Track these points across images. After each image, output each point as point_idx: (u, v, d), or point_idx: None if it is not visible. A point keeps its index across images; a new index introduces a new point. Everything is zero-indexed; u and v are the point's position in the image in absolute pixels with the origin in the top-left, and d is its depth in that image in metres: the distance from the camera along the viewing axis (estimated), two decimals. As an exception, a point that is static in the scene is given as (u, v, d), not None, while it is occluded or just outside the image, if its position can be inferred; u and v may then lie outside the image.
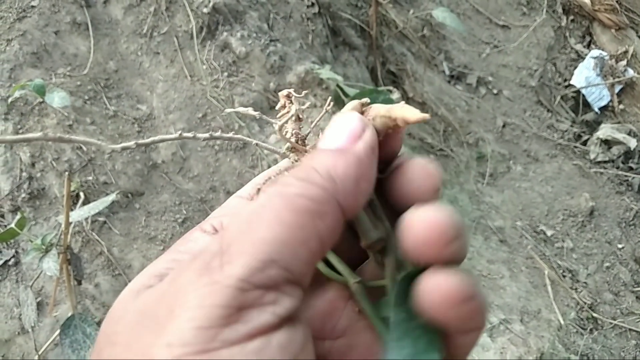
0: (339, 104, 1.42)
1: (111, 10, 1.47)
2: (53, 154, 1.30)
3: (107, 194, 1.26)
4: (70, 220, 0.99)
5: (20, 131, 1.30)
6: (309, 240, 0.22)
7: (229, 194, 1.39)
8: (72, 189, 1.26)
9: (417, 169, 0.25)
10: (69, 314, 0.98)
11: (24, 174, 1.28)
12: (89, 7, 1.46)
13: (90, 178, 1.30)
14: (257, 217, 0.22)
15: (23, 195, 1.27)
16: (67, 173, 0.85)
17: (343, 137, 0.25)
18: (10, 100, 1.10)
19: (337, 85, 1.42)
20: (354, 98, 1.40)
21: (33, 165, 1.29)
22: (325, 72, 1.41)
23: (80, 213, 1.02)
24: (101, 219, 1.30)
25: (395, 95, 1.51)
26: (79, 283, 1.08)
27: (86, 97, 1.37)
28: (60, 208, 1.28)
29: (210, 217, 0.29)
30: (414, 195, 0.25)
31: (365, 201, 0.25)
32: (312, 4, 1.60)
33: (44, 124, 1.31)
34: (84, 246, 1.27)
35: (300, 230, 0.22)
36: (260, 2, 1.53)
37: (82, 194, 1.27)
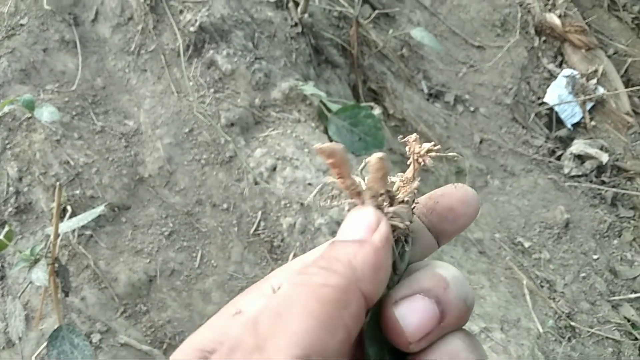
0: (323, 118, 1.46)
1: (99, 29, 1.51)
2: (40, 168, 1.31)
3: (94, 208, 1.27)
4: (60, 231, 1.01)
5: (8, 146, 1.31)
6: (337, 331, 0.22)
7: (215, 207, 1.41)
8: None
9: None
10: (56, 326, 0.98)
11: (11, 188, 1.29)
12: (77, 25, 1.49)
13: (77, 192, 1.32)
14: (287, 309, 0.22)
15: (10, 209, 1.28)
16: (58, 183, 0.87)
17: (360, 229, 0.26)
18: (-1, 115, 1.12)
19: (321, 101, 1.46)
20: (336, 113, 1.45)
21: (20, 179, 1.30)
22: (309, 89, 1.45)
23: (69, 224, 1.03)
24: (88, 232, 1.31)
25: (377, 111, 1.56)
26: (67, 295, 1.09)
27: (74, 113, 1.39)
28: (47, 222, 1.29)
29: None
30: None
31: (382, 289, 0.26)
32: (296, 24, 1.65)
33: (32, 139, 1.33)
34: (71, 259, 1.28)
35: (329, 320, 0.22)
36: (245, 22, 1.57)
37: (69, 208, 1.29)
